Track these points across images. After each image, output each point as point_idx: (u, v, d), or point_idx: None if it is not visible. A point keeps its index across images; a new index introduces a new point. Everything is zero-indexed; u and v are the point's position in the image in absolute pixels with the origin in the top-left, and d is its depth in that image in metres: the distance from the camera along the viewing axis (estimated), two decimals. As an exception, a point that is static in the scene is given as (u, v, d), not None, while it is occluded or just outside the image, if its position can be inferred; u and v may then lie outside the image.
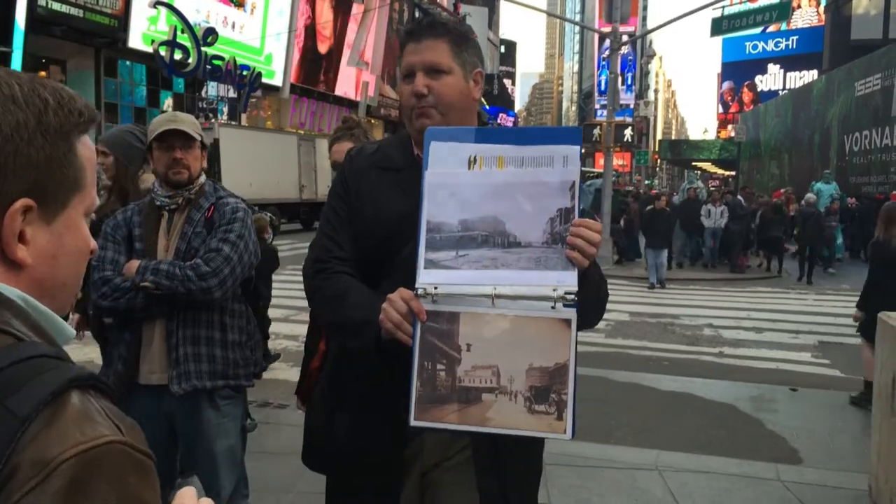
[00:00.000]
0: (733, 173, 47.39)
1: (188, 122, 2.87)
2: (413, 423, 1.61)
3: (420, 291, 1.62)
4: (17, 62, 20.81)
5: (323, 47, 36.30)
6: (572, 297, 1.57)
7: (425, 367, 1.62)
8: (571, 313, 1.58)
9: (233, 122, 27.17)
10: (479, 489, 1.84)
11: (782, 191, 22.45)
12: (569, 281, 1.59)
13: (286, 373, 6.79)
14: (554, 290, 1.57)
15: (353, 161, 1.98)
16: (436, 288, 1.62)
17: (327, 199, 2.01)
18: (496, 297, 1.59)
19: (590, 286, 1.66)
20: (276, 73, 32.06)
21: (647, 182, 47.05)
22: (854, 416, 6.34)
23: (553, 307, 1.58)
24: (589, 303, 1.68)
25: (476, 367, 1.60)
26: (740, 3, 28.46)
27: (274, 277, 6.84)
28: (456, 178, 1.69)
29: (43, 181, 0.85)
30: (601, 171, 19.94)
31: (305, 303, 2.00)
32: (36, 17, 21.17)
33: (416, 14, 43.13)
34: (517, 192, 1.64)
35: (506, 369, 1.59)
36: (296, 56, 33.31)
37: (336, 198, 1.96)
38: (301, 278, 1.99)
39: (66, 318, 0.95)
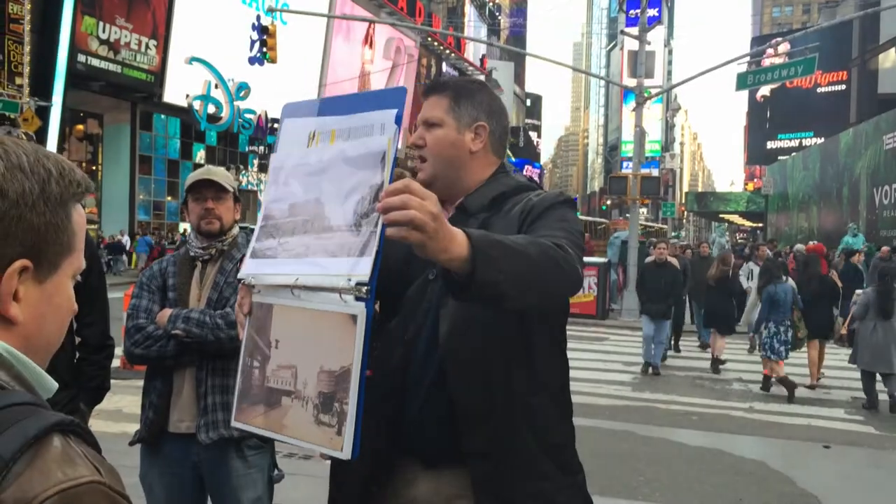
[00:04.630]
0: (761, 225, 47.07)
1: (221, 175, 2.97)
2: (233, 423, 1.55)
3: (246, 281, 1.55)
4: (56, 115, 21.47)
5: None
6: (366, 287, 1.34)
7: (246, 363, 1.54)
8: (359, 308, 1.36)
9: None
10: None
11: (813, 243, 22.08)
12: (360, 269, 1.34)
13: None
14: (349, 279, 1.35)
15: None
16: (253, 278, 1.53)
17: None
18: (295, 287, 1.44)
19: (493, 261, 1.35)
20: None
21: (673, 234, 46.83)
22: (888, 475, 6.17)
23: (343, 300, 1.37)
24: (495, 282, 1.37)
25: (280, 366, 1.47)
26: (767, 56, 28.54)
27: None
28: (292, 159, 1.57)
29: (40, 245, 0.91)
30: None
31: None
32: (76, 72, 21.91)
33: (444, 68, 43.93)
34: (338, 170, 1.46)
35: (302, 371, 1.43)
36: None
37: None
38: None
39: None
